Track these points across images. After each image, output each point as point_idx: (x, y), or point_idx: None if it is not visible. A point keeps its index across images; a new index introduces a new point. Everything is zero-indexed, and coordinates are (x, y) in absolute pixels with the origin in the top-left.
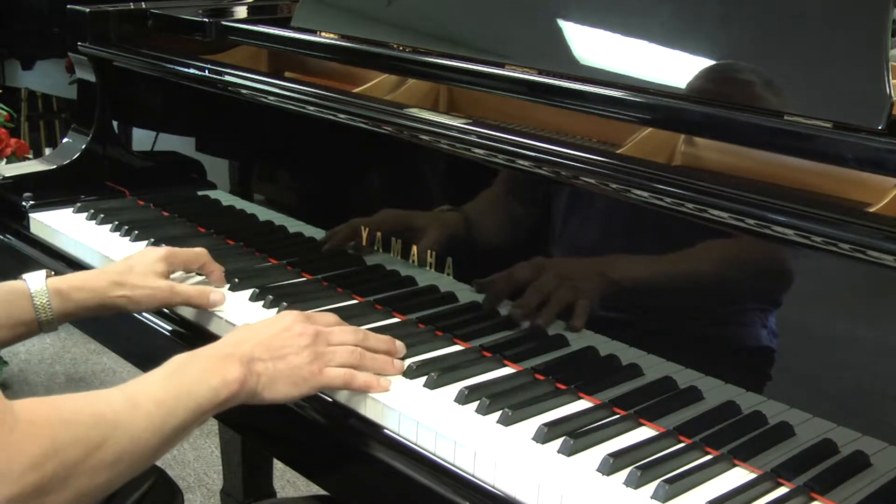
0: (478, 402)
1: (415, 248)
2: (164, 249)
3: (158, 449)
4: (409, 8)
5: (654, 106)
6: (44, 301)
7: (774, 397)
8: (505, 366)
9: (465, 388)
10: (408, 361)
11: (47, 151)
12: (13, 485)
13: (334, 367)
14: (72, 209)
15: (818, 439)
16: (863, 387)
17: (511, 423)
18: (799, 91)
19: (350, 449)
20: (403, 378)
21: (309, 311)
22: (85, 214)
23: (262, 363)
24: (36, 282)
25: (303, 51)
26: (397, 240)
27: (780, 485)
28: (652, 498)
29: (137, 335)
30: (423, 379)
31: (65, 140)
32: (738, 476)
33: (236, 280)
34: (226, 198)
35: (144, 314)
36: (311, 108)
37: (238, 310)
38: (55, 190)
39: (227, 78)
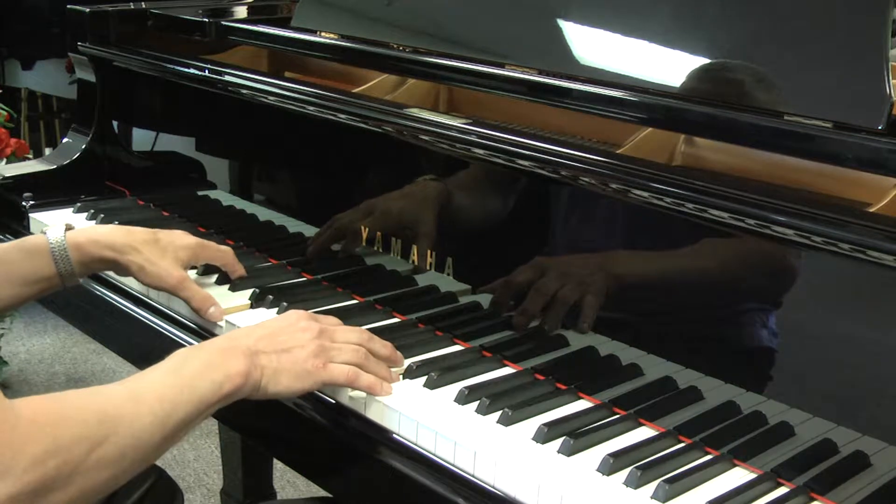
0: (478, 402)
1: (415, 248)
2: (195, 240)
3: (162, 444)
4: (409, 8)
5: (654, 106)
6: (63, 254)
7: (774, 397)
8: (505, 366)
9: (465, 388)
10: (408, 361)
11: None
12: (16, 482)
13: (339, 363)
14: (72, 209)
15: (818, 439)
16: (863, 387)
17: (511, 423)
18: (799, 91)
19: (350, 449)
20: (403, 378)
21: (311, 312)
22: (85, 214)
23: (266, 356)
24: (55, 234)
25: (303, 51)
26: (397, 240)
27: (780, 485)
28: (652, 498)
29: (137, 335)
30: (423, 379)
31: (65, 140)
32: (738, 476)
33: (236, 280)
34: (226, 198)
35: (144, 314)
36: (311, 108)
37: (238, 310)
38: (55, 190)
39: (227, 78)
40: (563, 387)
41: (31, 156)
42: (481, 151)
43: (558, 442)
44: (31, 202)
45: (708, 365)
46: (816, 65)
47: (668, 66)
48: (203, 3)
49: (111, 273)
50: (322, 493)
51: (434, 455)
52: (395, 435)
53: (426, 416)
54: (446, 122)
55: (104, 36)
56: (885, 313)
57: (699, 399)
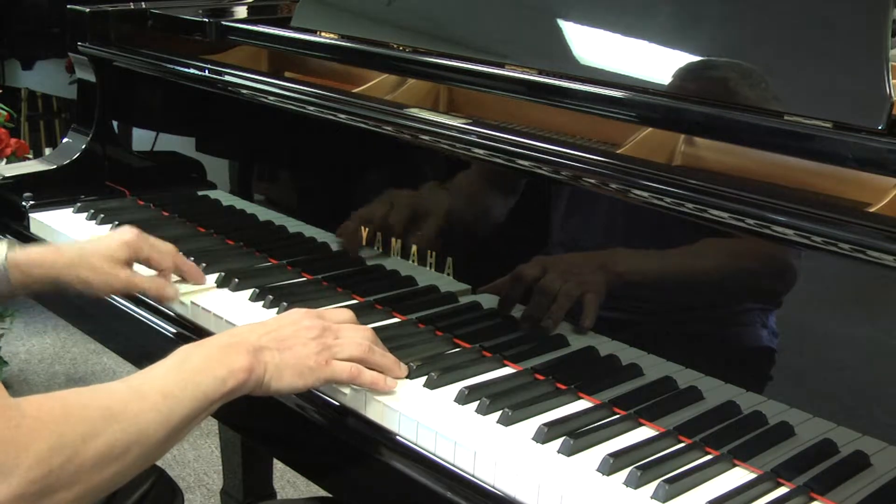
0: (478, 402)
1: (415, 248)
2: (128, 234)
3: (166, 441)
4: (409, 8)
5: (654, 106)
6: (3, 274)
7: (774, 397)
8: (505, 366)
9: (465, 388)
10: (408, 362)
11: (47, 151)
12: (20, 480)
13: (342, 359)
14: (72, 209)
15: (818, 439)
16: (863, 387)
17: (511, 423)
18: (799, 91)
19: (350, 449)
20: (404, 378)
21: (322, 309)
22: (85, 214)
23: (270, 352)
24: None
25: (303, 51)
26: (397, 240)
27: (780, 485)
28: (652, 498)
29: (137, 335)
30: (423, 379)
31: (65, 140)
32: (738, 476)
33: (236, 280)
34: (226, 198)
35: (144, 314)
36: (311, 108)
37: (238, 310)
38: (55, 190)
39: (227, 78)
40: (563, 387)
41: (31, 156)
42: (481, 151)
43: (558, 442)
44: (31, 202)
45: (708, 365)
46: (816, 65)
47: (669, 66)
48: (203, 3)
49: None
50: (322, 493)
51: (434, 455)
52: (395, 435)
53: (426, 416)
54: (446, 122)
55: (104, 36)
56: (885, 313)
57: (699, 399)
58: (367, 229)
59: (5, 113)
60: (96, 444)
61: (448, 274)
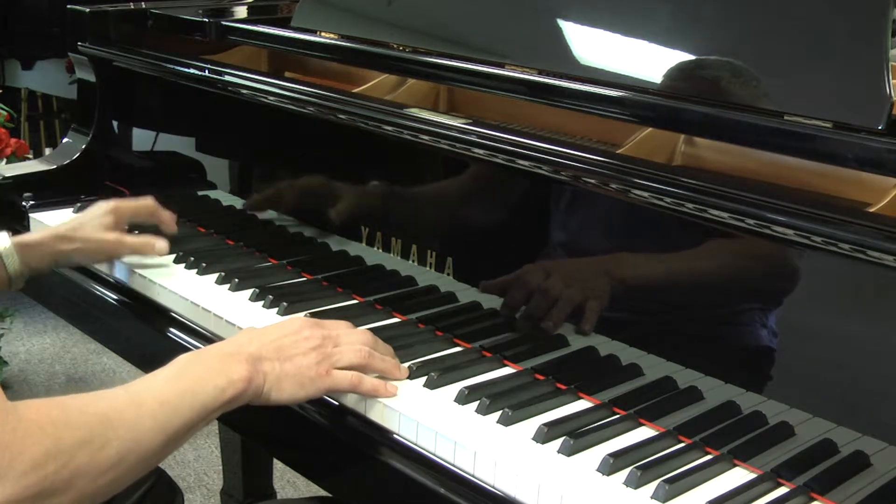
0: (478, 402)
1: (415, 248)
2: (111, 203)
3: (163, 449)
4: (409, 8)
5: (654, 106)
6: (13, 258)
7: (774, 397)
8: (505, 366)
9: (465, 388)
10: (408, 362)
11: (47, 151)
12: (15, 485)
13: (342, 368)
14: (72, 209)
15: (818, 439)
16: (863, 387)
17: (511, 423)
18: (799, 91)
19: (350, 449)
20: (404, 379)
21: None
22: None
23: (269, 363)
24: (2, 241)
25: (303, 51)
26: (397, 240)
27: (780, 485)
28: (652, 498)
29: (138, 335)
30: (423, 379)
31: (65, 140)
32: (738, 476)
33: (236, 280)
34: (226, 198)
35: (144, 313)
36: (311, 108)
37: (238, 310)
38: (55, 190)
39: (227, 78)
40: (563, 387)
41: (31, 156)
42: (481, 151)
43: (558, 442)
44: (31, 202)
45: (708, 365)
46: (816, 65)
47: (668, 66)
48: (203, 3)
49: (110, 272)
50: (322, 493)
51: (434, 455)
52: (395, 435)
53: (426, 416)
54: (446, 122)
55: (104, 36)
56: (885, 313)
57: (699, 399)
58: (367, 229)
59: (5, 113)
60: (93, 450)
61: (448, 274)
